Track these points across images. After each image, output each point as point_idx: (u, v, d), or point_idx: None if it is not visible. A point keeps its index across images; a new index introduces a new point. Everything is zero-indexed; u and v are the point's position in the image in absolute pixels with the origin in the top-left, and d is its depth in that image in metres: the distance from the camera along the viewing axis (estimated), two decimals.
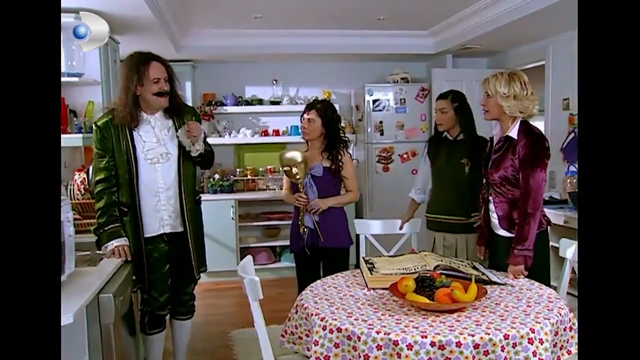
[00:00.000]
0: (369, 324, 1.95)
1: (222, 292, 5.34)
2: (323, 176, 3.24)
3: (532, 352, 1.85)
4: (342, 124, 3.44)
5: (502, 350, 1.83)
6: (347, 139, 3.34)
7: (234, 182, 5.99)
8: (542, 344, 1.88)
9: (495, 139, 2.78)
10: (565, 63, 4.73)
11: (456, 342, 1.81)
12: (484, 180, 2.83)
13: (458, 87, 3.57)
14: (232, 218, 5.65)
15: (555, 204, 4.24)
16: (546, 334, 1.91)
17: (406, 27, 5.33)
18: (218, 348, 3.93)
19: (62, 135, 2.94)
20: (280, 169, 5.50)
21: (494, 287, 2.36)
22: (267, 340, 2.10)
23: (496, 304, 2.17)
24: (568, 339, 2.08)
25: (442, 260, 2.62)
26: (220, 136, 6.00)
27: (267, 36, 5.33)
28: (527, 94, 2.62)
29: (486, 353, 1.82)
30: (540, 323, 1.94)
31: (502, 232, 2.72)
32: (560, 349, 2.05)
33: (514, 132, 2.64)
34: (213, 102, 5.98)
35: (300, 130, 3.38)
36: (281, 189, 5.92)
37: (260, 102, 6.17)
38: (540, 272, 2.63)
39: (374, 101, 5.83)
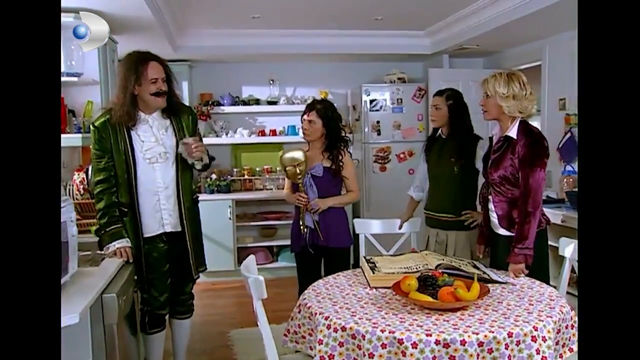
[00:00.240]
0: (374, 323, 1.96)
1: (219, 292, 5.33)
2: (323, 176, 3.24)
3: (536, 350, 1.87)
4: (343, 123, 3.45)
5: (506, 348, 1.85)
6: (348, 138, 3.35)
7: (231, 182, 5.98)
8: (545, 342, 1.90)
9: (495, 139, 2.80)
10: (562, 63, 4.76)
11: (461, 341, 1.82)
12: (483, 180, 2.85)
13: (454, 87, 3.59)
14: (229, 218, 5.64)
15: (552, 204, 4.26)
16: (549, 331, 1.93)
17: (403, 27, 5.35)
18: (217, 348, 3.93)
19: (62, 135, 2.94)
20: (281, 169, 5.55)
21: (495, 286, 2.37)
22: (271, 340, 2.10)
23: (498, 302, 2.18)
24: (570, 337, 2.10)
25: (443, 260, 2.64)
26: (217, 136, 6.00)
27: (264, 36, 5.33)
28: (526, 94, 2.63)
29: (490, 351, 1.84)
30: (543, 321, 1.96)
31: (502, 231, 2.74)
32: (562, 346, 2.07)
33: (513, 132, 2.66)
34: (210, 102, 5.98)
35: (301, 132, 3.38)
36: (278, 188, 6.00)
37: (257, 102, 6.17)
38: (539, 271, 2.65)
39: (371, 101, 5.84)
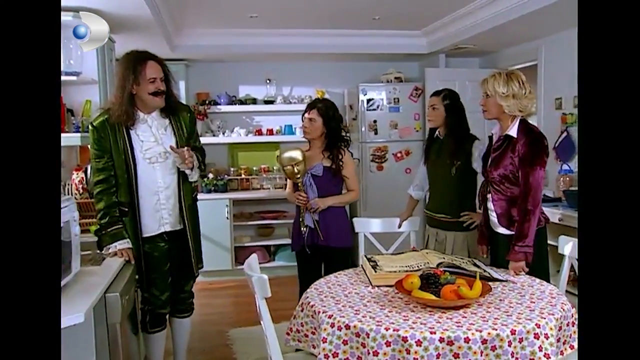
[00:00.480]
0: (377, 321, 1.97)
1: (217, 292, 5.33)
2: (323, 175, 3.25)
3: (538, 347, 1.89)
4: (344, 124, 3.45)
5: (509, 346, 1.86)
6: (348, 137, 3.36)
7: (228, 181, 5.98)
8: (547, 339, 1.91)
9: (495, 138, 2.82)
10: (558, 63, 4.79)
11: (464, 338, 1.83)
12: (483, 179, 2.87)
13: (451, 87, 3.61)
14: (227, 217, 5.64)
15: (550, 202, 4.29)
16: (551, 329, 1.95)
17: (400, 27, 5.36)
18: (216, 347, 3.93)
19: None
20: (278, 168, 5.55)
21: (496, 284, 2.39)
22: (275, 339, 2.11)
23: (500, 300, 2.20)
24: (571, 334, 2.11)
25: (444, 258, 2.65)
26: (214, 135, 6.00)
27: (261, 35, 5.33)
28: (525, 93, 2.65)
29: (493, 348, 1.85)
30: (545, 318, 1.98)
31: (502, 230, 2.76)
32: (564, 343, 2.09)
33: (513, 131, 2.67)
34: (207, 102, 5.97)
35: (302, 130, 3.38)
36: (275, 188, 6.00)
37: (254, 101, 6.17)
38: (539, 269, 2.67)
39: (368, 100, 5.86)
